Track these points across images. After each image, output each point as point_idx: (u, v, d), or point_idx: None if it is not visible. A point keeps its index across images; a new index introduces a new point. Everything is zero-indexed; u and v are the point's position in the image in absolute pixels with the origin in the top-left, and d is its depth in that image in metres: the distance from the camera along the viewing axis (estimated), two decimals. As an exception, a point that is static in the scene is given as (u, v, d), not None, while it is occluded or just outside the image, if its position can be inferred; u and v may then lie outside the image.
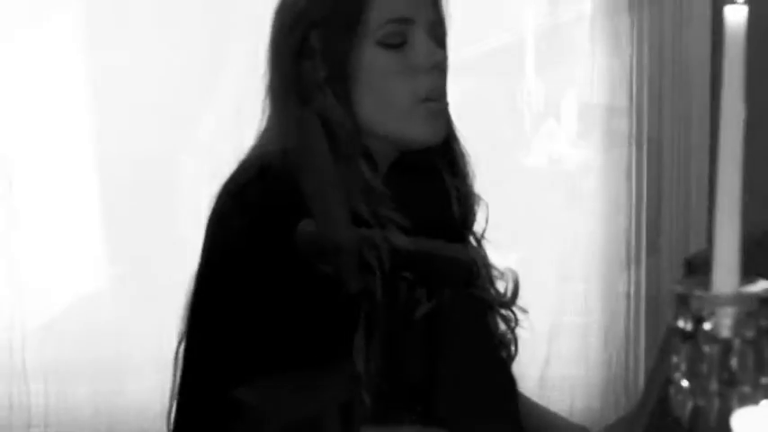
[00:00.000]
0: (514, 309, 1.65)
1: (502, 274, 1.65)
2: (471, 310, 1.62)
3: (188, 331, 1.53)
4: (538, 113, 2.76)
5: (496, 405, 1.61)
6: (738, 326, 0.86)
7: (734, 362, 0.86)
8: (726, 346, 0.86)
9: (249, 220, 1.48)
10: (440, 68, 1.55)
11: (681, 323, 0.88)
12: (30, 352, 2.69)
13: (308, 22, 1.53)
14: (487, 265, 1.66)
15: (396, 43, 1.52)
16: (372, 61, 1.52)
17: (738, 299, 0.86)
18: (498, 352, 1.65)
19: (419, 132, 1.55)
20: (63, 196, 2.70)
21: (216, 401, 1.46)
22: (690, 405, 0.87)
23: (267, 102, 1.59)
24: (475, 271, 1.62)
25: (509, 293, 1.64)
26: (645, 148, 2.73)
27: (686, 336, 0.88)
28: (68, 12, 2.65)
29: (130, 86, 2.64)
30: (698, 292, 0.87)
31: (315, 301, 1.47)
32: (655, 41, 2.69)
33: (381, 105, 1.53)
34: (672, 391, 0.89)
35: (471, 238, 1.69)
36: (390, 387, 1.52)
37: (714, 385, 0.86)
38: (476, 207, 1.68)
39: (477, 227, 1.70)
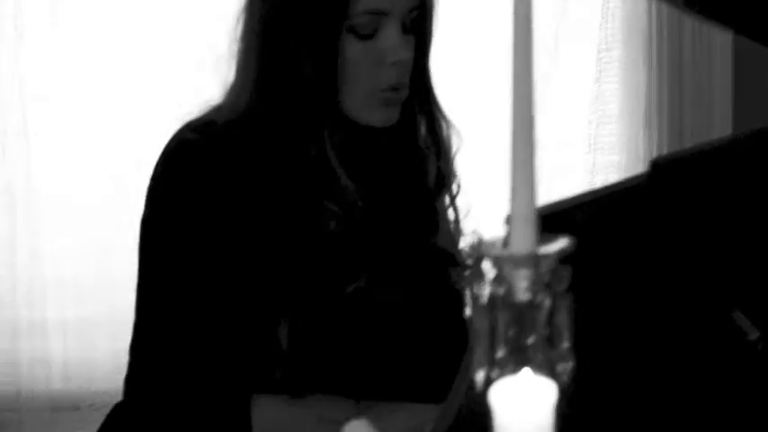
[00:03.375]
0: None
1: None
2: (402, 292, 1.63)
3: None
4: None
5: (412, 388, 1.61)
6: (535, 288, 0.80)
7: (519, 326, 0.79)
8: (521, 310, 0.81)
9: (179, 178, 1.56)
10: (400, 65, 1.57)
11: (476, 285, 0.82)
12: (49, 308, 2.72)
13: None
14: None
15: (366, 34, 1.55)
16: (342, 46, 1.55)
17: (535, 259, 0.80)
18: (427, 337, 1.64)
19: (373, 118, 1.59)
20: (77, 152, 2.71)
21: (154, 344, 1.56)
22: (482, 375, 0.81)
23: (236, 61, 1.62)
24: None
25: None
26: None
27: (484, 300, 0.82)
28: None
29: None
30: (494, 253, 0.81)
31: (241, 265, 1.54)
32: None
33: (346, 88, 1.57)
34: (470, 360, 0.83)
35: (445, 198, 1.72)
36: (311, 364, 1.56)
37: (501, 351, 0.80)
38: (451, 169, 1.72)
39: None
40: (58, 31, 2.71)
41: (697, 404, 1.16)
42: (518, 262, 0.80)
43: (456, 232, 1.71)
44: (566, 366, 0.81)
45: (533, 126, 0.80)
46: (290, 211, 1.56)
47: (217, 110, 1.61)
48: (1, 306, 2.74)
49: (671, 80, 2.74)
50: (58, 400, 2.78)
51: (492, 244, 0.81)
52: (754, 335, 1.20)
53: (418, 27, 1.60)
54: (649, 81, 2.76)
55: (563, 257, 0.80)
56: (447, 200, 1.72)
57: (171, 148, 1.59)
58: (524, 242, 0.80)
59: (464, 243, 1.69)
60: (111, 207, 2.69)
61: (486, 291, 0.81)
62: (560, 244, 0.81)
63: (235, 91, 1.61)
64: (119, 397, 1.62)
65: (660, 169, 0.99)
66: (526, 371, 0.76)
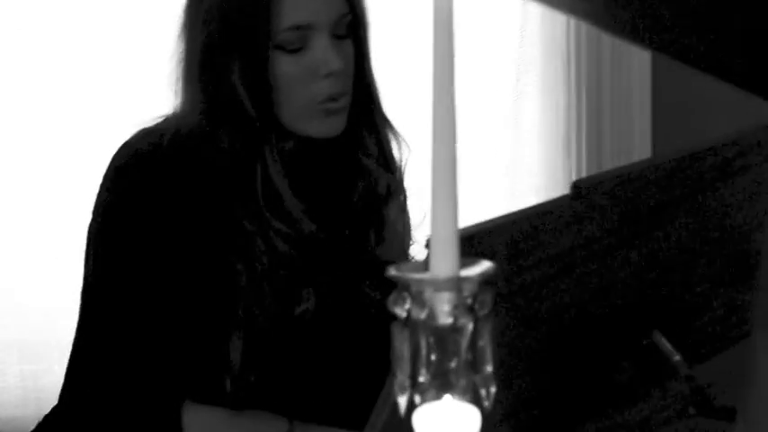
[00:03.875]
0: None
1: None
2: (346, 317, 1.64)
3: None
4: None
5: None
6: (456, 312, 0.79)
7: (441, 350, 0.78)
8: (443, 334, 0.79)
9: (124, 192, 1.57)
10: (336, 75, 1.56)
11: (398, 310, 0.80)
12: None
13: (219, 21, 1.56)
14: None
15: (294, 49, 1.55)
16: (272, 63, 1.55)
17: (457, 282, 0.79)
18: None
19: (316, 130, 1.59)
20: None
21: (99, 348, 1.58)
22: (404, 400, 0.79)
23: (178, 84, 1.63)
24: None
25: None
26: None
27: (405, 323, 0.81)
28: None
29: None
30: (415, 276, 0.79)
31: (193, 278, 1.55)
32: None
33: (282, 103, 1.57)
34: (391, 385, 0.81)
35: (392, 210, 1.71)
36: (258, 379, 1.57)
37: (423, 376, 0.78)
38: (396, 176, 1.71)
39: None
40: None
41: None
42: (439, 285, 0.78)
43: (406, 243, 1.72)
44: (489, 391, 0.80)
45: (454, 148, 0.78)
46: (237, 228, 1.56)
47: (166, 121, 1.62)
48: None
49: (589, 101, 2.76)
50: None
51: (413, 267, 0.80)
52: (674, 357, 1.20)
53: (353, 32, 1.60)
54: (568, 102, 2.77)
55: (485, 280, 0.80)
56: (395, 210, 1.71)
57: (122, 157, 1.59)
58: (446, 265, 0.79)
59: (414, 253, 1.70)
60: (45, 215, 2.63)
61: (407, 314, 0.80)
62: (482, 267, 0.80)
63: (182, 107, 1.62)
64: (28, 426, 1.59)
65: (581, 192, 0.98)
66: (448, 397, 0.74)
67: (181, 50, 1.62)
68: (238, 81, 1.54)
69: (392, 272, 0.79)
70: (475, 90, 2.74)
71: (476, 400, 0.79)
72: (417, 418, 0.71)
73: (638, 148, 2.74)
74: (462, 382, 0.78)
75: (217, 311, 1.56)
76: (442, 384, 0.78)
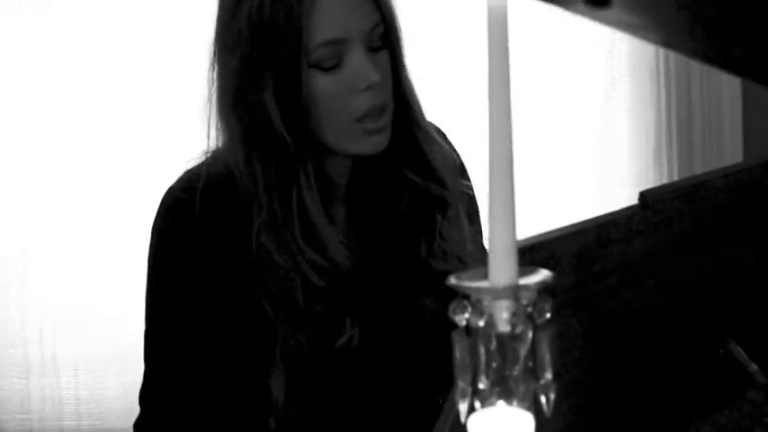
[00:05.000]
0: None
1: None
2: (394, 344, 1.61)
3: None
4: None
5: None
6: (515, 319, 0.80)
7: (502, 357, 0.79)
8: (502, 341, 0.81)
9: (172, 234, 1.58)
10: (375, 87, 1.53)
11: (458, 317, 0.82)
12: (60, 345, 2.73)
13: (249, 44, 1.52)
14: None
15: (329, 66, 1.52)
16: (309, 83, 1.52)
17: (515, 291, 0.80)
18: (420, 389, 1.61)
19: (359, 148, 1.56)
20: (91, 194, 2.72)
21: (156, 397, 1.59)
22: (465, 407, 0.81)
23: (213, 117, 1.60)
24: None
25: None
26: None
27: (466, 332, 0.82)
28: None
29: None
30: (474, 284, 0.81)
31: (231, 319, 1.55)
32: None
33: (322, 123, 1.54)
34: (454, 391, 0.83)
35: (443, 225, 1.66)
36: (304, 415, 1.56)
37: (483, 383, 0.80)
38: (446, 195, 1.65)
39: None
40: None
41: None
42: (497, 294, 0.80)
43: (473, 251, 1.66)
44: (549, 398, 0.81)
45: (511, 158, 0.80)
46: (271, 263, 1.54)
47: (206, 158, 1.61)
48: (12, 344, 2.75)
49: (679, 114, 2.74)
50: (69, 438, 2.79)
51: (473, 275, 0.81)
52: (751, 367, 1.20)
53: (387, 43, 1.56)
54: (658, 117, 2.75)
55: (544, 289, 0.81)
56: (452, 220, 1.65)
57: (165, 207, 1.59)
58: (504, 274, 0.80)
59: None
60: (121, 243, 2.70)
61: (467, 322, 0.81)
62: (541, 276, 0.81)
63: (219, 141, 1.60)
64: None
65: (647, 202, 0.99)
66: (501, 403, 0.75)
67: (213, 82, 1.60)
68: (272, 103, 1.51)
69: (452, 281, 0.81)
70: (566, 105, 2.74)
71: (536, 407, 0.80)
72: (471, 424, 0.72)
73: (728, 159, 2.71)
74: (522, 389, 0.79)
75: (256, 349, 1.55)
76: (501, 391, 0.79)
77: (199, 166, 1.60)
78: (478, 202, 1.73)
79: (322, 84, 1.52)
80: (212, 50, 1.58)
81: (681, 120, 2.74)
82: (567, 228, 0.96)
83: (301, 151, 1.53)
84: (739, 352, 1.18)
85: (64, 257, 2.74)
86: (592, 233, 0.96)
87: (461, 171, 1.71)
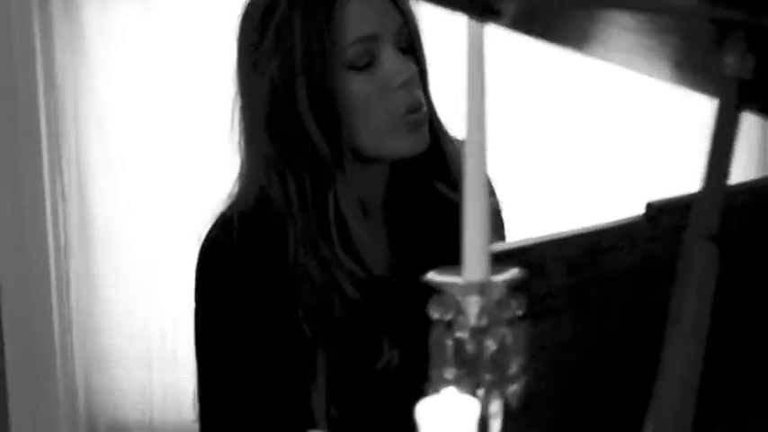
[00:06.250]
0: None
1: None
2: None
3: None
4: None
5: None
6: (486, 314, 0.86)
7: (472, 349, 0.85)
8: (473, 334, 0.86)
9: (216, 276, 1.58)
10: (409, 84, 1.54)
11: (434, 313, 0.88)
12: (181, 340, 2.82)
13: (281, 57, 1.53)
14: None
15: (364, 64, 1.53)
16: (345, 86, 1.53)
17: (484, 287, 0.85)
18: None
19: (403, 147, 1.56)
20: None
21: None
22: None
23: (239, 140, 1.62)
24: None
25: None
26: None
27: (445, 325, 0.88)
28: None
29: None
30: (445, 280, 0.87)
31: (274, 345, 1.55)
32: None
33: (363, 127, 1.54)
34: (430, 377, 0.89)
35: None
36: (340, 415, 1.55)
37: (449, 374, 0.85)
38: None
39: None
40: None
41: None
42: (467, 289, 0.85)
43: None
44: (515, 389, 0.87)
45: (485, 162, 0.85)
46: (309, 278, 1.54)
47: (232, 204, 1.61)
48: (138, 338, 2.85)
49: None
50: (188, 430, 2.87)
51: (451, 272, 0.87)
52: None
53: (412, 49, 1.58)
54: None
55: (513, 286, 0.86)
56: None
57: (204, 249, 1.60)
58: (475, 270, 0.86)
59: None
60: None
61: (443, 316, 0.87)
62: (510, 274, 0.86)
63: (248, 167, 1.61)
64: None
65: (650, 213, 1.02)
66: (450, 389, 0.81)
67: (238, 109, 1.61)
68: (308, 113, 1.51)
69: (428, 276, 0.87)
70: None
71: (504, 396, 0.86)
72: (419, 410, 0.77)
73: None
74: (488, 379, 0.85)
75: (298, 373, 1.55)
76: (469, 381, 0.85)
77: (229, 208, 1.60)
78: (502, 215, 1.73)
79: (357, 85, 1.53)
80: (236, 78, 1.60)
81: None
82: (564, 233, 1.00)
83: (339, 159, 1.53)
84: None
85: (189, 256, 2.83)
86: (586, 239, 1.00)
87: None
